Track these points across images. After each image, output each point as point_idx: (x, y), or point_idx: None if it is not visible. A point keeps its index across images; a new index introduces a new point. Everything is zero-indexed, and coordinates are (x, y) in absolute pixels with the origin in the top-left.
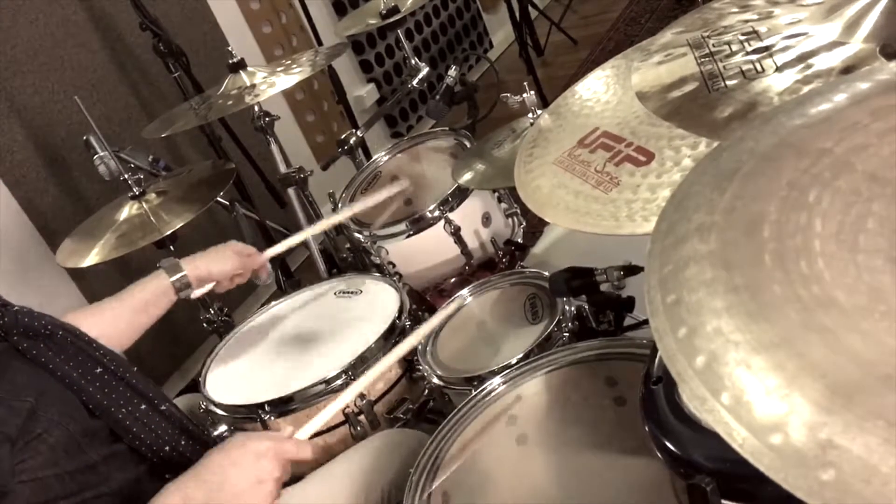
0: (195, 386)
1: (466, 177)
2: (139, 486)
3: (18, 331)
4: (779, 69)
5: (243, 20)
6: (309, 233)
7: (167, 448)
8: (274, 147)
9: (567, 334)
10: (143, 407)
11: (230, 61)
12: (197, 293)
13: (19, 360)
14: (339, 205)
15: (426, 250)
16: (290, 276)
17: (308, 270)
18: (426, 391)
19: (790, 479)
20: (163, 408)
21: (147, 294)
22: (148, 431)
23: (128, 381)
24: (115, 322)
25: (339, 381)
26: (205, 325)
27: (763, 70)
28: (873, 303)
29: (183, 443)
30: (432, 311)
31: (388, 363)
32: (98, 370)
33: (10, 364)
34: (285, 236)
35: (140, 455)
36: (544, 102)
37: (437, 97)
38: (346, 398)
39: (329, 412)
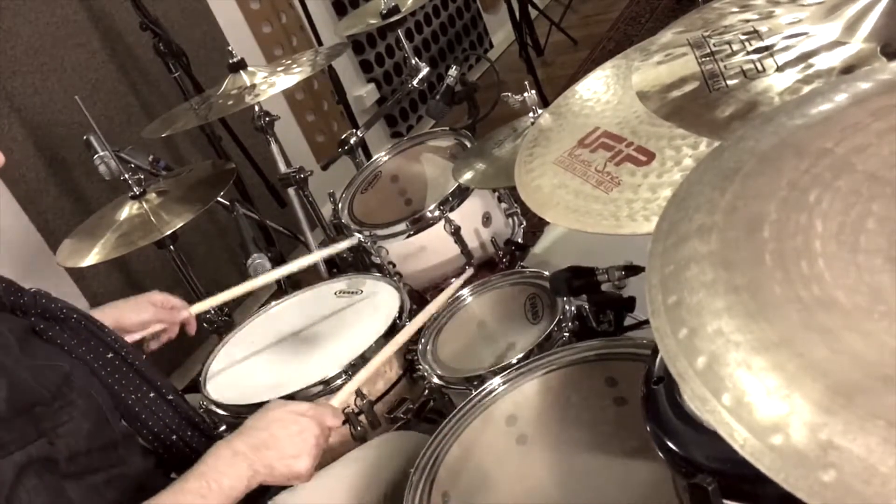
0: (195, 386)
1: (466, 177)
2: (150, 478)
3: (36, 312)
4: (779, 69)
5: (243, 20)
6: (243, 288)
7: (174, 437)
8: (274, 147)
9: (567, 334)
10: (152, 395)
11: (230, 61)
12: None
13: (38, 340)
14: (339, 205)
15: (426, 250)
16: (291, 275)
17: (308, 270)
18: (426, 391)
19: (791, 479)
20: (170, 397)
21: None
22: (156, 420)
23: (138, 368)
24: None
25: (339, 381)
26: (205, 325)
27: (764, 70)
28: (873, 303)
29: (189, 433)
30: None
31: (409, 334)
32: (110, 355)
33: (32, 341)
34: (285, 236)
35: (147, 444)
36: (544, 102)
37: (438, 97)
38: (378, 362)
39: (358, 379)
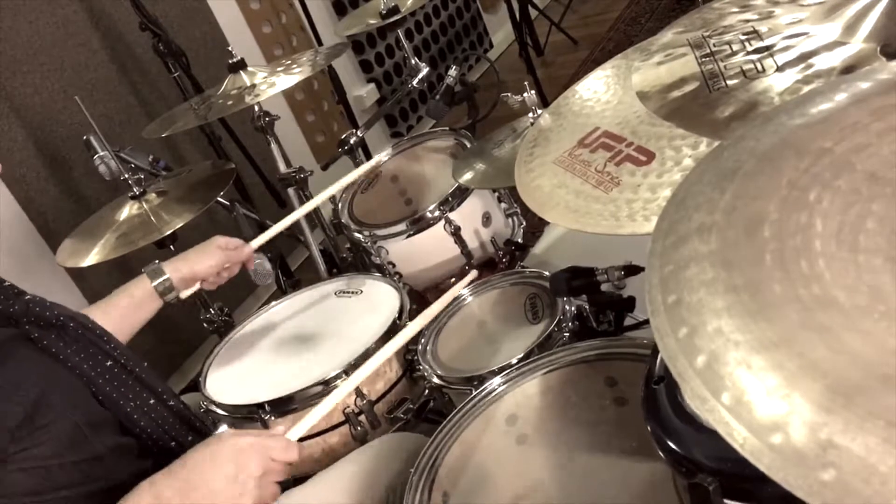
0: (195, 386)
1: (466, 177)
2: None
3: (30, 319)
4: (779, 69)
5: (243, 20)
6: (293, 217)
7: (173, 444)
8: (274, 147)
9: (567, 334)
10: (152, 401)
11: (230, 61)
12: (185, 294)
13: (29, 349)
14: (339, 205)
15: (426, 250)
16: (290, 276)
17: (308, 270)
18: (426, 391)
19: (790, 478)
20: (171, 403)
21: (131, 300)
22: (155, 426)
23: (137, 374)
24: None
25: (339, 382)
26: (205, 325)
27: (764, 70)
28: (873, 303)
29: (190, 438)
30: None
31: (386, 355)
32: (108, 363)
33: (18, 352)
34: (285, 236)
35: (146, 449)
36: (544, 102)
37: (437, 97)
38: (340, 395)
39: (322, 410)
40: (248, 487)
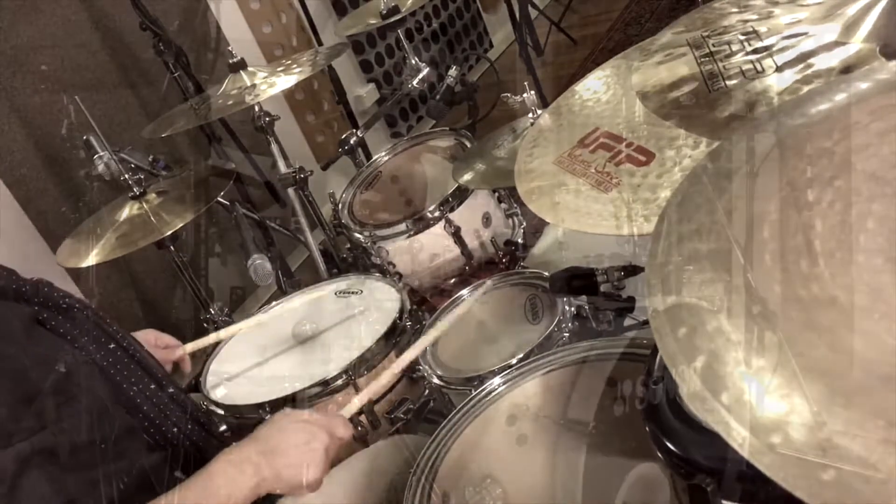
0: (195, 386)
1: (466, 177)
2: (154, 474)
3: (39, 301)
4: (779, 69)
5: (243, 20)
6: (232, 330)
7: (175, 430)
8: (274, 147)
9: (567, 334)
10: (153, 386)
11: (230, 61)
12: None
13: (43, 329)
14: (339, 205)
15: (426, 250)
16: (290, 276)
17: (308, 270)
18: (426, 391)
19: (790, 478)
20: (171, 390)
21: None
22: (157, 411)
23: (139, 359)
24: None
25: (339, 382)
26: (205, 325)
27: (763, 70)
28: (873, 303)
29: (190, 427)
30: (432, 311)
31: (424, 345)
32: (112, 346)
33: (37, 329)
34: (285, 236)
35: (149, 435)
36: (544, 102)
37: (438, 97)
38: (384, 381)
39: (369, 392)
40: (319, 455)
